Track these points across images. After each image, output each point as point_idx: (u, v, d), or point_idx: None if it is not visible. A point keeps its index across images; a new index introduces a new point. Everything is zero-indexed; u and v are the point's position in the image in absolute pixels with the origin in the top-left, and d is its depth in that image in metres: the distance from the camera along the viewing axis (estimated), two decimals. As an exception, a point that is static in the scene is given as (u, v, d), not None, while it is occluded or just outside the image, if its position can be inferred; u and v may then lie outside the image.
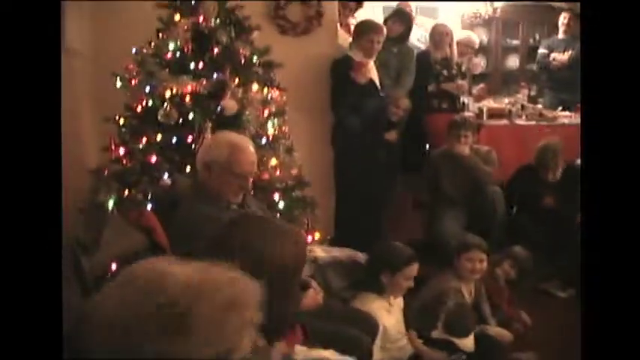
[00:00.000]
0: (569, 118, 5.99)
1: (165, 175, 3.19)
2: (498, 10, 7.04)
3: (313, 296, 2.48)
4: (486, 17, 7.13)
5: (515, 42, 8.44)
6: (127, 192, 3.21)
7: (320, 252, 3.03)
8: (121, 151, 3.33)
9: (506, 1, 7.39)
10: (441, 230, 4.45)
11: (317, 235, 3.47)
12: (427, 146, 5.51)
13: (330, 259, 3.01)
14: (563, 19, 6.74)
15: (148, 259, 1.19)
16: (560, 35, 6.77)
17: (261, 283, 1.15)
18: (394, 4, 6.50)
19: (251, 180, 2.70)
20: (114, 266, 2.30)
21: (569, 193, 4.21)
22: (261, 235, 1.73)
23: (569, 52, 6.55)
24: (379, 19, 7.13)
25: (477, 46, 6.43)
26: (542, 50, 6.83)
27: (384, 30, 4.46)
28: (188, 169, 3.16)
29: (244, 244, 1.68)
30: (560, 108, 6.36)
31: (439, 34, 5.56)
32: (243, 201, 2.71)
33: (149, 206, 3.08)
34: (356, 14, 5.41)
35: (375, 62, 4.43)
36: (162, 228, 2.47)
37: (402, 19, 5.22)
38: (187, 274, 1.11)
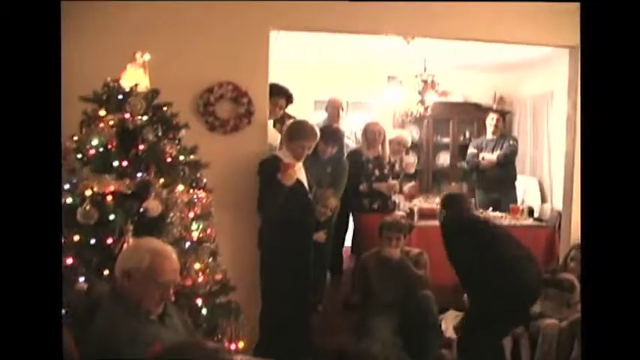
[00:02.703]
0: (499, 219, 6.19)
1: (82, 279, 3.12)
2: (429, 109, 7.32)
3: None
4: (417, 115, 7.40)
5: (446, 140, 8.80)
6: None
7: (244, 366, 2.98)
8: (35, 251, 3.25)
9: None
10: (371, 337, 4.46)
11: (241, 344, 3.42)
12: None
13: (254, 375, 2.96)
14: (491, 120, 7.10)
15: None
16: (489, 135, 7.11)
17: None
18: (326, 97, 6.73)
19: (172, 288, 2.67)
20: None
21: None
22: None
23: (498, 151, 6.87)
24: (310, 112, 7.34)
25: (409, 145, 6.65)
26: (471, 150, 7.13)
27: (317, 134, 4.51)
28: (106, 272, 3.11)
29: None
30: (490, 208, 6.60)
31: (372, 133, 5.72)
32: (164, 310, 2.68)
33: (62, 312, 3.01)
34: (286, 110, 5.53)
35: (304, 164, 4.50)
36: (74, 343, 2.39)
37: (334, 138, 5.28)
38: None
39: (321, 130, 5.04)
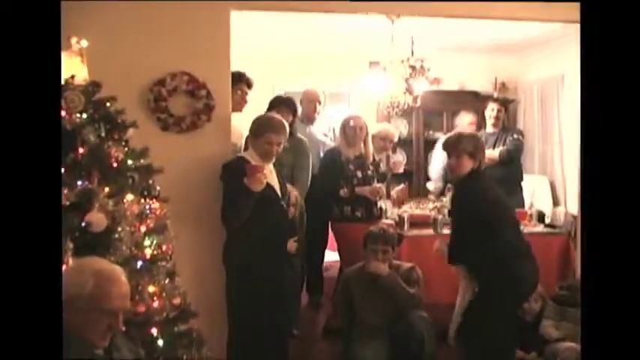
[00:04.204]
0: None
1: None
2: (419, 99, 7.32)
3: None
4: (405, 106, 7.39)
5: (439, 134, 8.81)
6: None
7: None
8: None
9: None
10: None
11: (205, 381, 3.42)
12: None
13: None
14: (491, 110, 7.12)
15: None
16: (489, 129, 7.13)
17: None
18: (299, 88, 6.71)
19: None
20: None
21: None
22: None
23: (500, 147, 6.90)
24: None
25: (396, 140, 6.65)
26: (470, 146, 7.13)
27: (287, 129, 4.48)
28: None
29: None
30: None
31: (352, 128, 5.71)
32: (112, 343, 2.66)
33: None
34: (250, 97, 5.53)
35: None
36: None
37: (288, 106, 5.32)
38: None
39: (272, 100, 5.33)
